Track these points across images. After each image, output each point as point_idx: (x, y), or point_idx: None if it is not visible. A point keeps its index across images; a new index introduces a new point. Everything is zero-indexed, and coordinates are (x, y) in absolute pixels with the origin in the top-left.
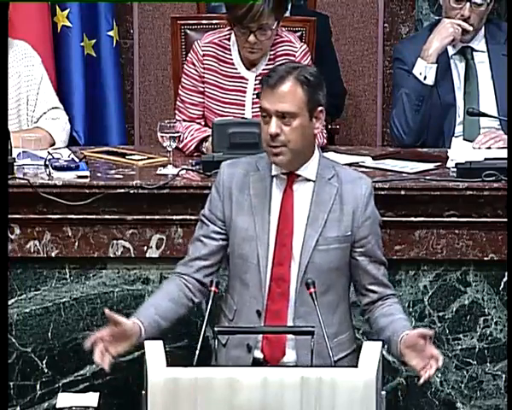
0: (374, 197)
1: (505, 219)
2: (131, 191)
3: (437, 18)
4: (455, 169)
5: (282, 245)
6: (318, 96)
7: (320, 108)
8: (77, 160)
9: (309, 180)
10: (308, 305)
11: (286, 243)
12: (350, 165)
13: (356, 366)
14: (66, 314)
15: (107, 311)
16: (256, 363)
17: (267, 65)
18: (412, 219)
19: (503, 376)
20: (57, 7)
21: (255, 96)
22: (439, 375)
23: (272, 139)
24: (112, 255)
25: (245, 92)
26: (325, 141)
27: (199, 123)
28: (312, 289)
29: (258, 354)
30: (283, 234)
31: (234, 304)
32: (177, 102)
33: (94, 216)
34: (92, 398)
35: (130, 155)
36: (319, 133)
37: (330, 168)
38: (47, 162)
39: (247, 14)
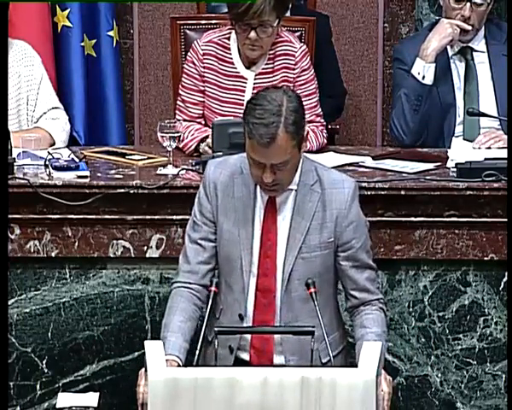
0: (358, 199)
1: (505, 219)
2: (131, 191)
3: (437, 18)
4: (455, 169)
5: (265, 256)
6: (303, 128)
7: (305, 134)
8: (77, 160)
9: (291, 189)
10: (293, 311)
11: (270, 255)
12: (350, 165)
13: (345, 366)
14: (66, 314)
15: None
16: (240, 364)
17: (266, 64)
18: (412, 219)
19: (503, 376)
20: (57, 7)
21: None
22: (439, 375)
23: (267, 183)
24: (112, 255)
25: (244, 91)
26: (325, 141)
27: (199, 122)
28: (312, 289)
29: (244, 356)
30: (267, 245)
31: (220, 303)
32: (178, 102)
33: (94, 216)
34: (92, 398)
35: (130, 155)
36: (320, 132)
37: (313, 172)
38: (47, 162)
39: (247, 11)
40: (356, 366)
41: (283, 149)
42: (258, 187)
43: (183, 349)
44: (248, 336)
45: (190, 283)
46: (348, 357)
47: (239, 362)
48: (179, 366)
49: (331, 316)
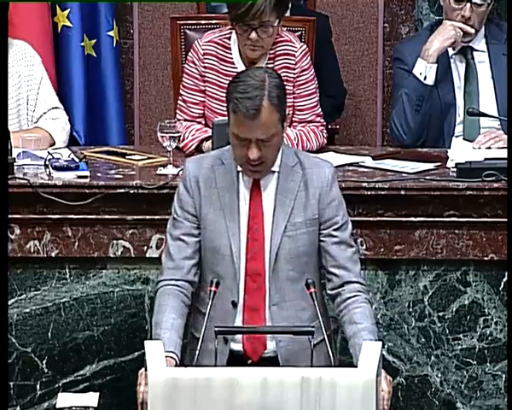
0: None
1: (505, 219)
2: (131, 191)
3: (437, 18)
4: (455, 169)
5: (253, 240)
6: (286, 105)
7: (287, 113)
8: (77, 160)
9: (273, 171)
10: (282, 292)
11: (257, 238)
12: (350, 165)
13: (332, 352)
14: (66, 314)
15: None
16: (234, 356)
17: (267, 64)
18: (412, 219)
19: (503, 376)
20: (57, 7)
21: None
22: (439, 375)
23: (252, 161)
24: (112, 255)
25: None
26: (325, 141)
27: (199, 122)
28: (312, 289)
29: (237, 347)
30: (254, 229)
31: (207, 297)
32: (179, 102)
33: (94, 216)
34: (92, 398)
35: (130, 155)
36: (320, 132)
37: (293, 155)
38: (47, 162)
39: (248, 11)
40: (355, 365)
41: (269, 123)
42: (240, 174)
43: (179, 345)
44: (240, 324)
45: (176, 279)
46: (333, 345)
47: (232, 354)
48: (176, 362)
49: (317, 299)
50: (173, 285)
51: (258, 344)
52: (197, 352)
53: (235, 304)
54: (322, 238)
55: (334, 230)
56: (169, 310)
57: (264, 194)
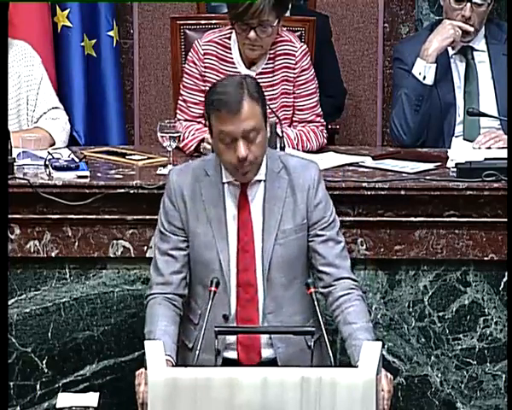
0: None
1: (505, 219)
2: (131, 191)
3: (437, 18)
4: (455, 169)
5: (244, 251)
6: (266, 104)
7: (268, 112)
8: (77, 160)
9: (259, 181)
10: (277, 300)
11: (248, 250)
12: (350, 165)
13: (326, 350)
14: (66, 314)
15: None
16: (228, 365)
17: (267, 64)
18: (412, 219)
19: (503, 376)
20: (57, 7)
21: None
22: (439, 375)
23: (242, 161)
24: (112, 255)
25: None
26: (325, 141)
27: (199, 122)
28: (312, 289)
29: (232, 354)
30: (244, 241)
31: (198, 308)
32: (179, 102)
33: (94, 216)
34: (92, 398)
35: (130, 155)
36: (320, 132)
37: (277, 160)
38: (47, 162)
39: (247, 10)
40: (354, 366)
41: (252, 114)
42: (225, 186)
43: (174, 351)
44: (233, 337)
45: (166, 293)
46: (325, 347)
47: (227, 362)
48: (173, 366)
49: (307, 302)
50: (162, 298)
51: (254, 354)
52: (197, 352)
53: (226, 317)
54: (310, 239)
55: (321, 229)
56: (161, 319)
57: (252, 204)
